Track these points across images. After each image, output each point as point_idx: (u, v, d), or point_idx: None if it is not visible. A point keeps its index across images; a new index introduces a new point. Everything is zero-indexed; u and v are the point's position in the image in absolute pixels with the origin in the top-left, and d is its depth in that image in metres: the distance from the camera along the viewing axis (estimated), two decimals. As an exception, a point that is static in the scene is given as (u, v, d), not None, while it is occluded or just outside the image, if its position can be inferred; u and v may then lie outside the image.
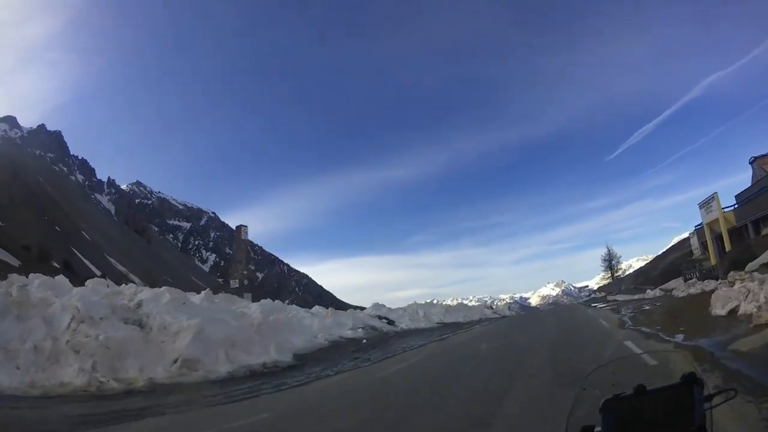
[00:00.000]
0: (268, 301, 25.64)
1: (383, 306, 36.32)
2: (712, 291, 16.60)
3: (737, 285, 14.30)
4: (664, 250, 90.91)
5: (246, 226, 53.57)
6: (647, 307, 24.35)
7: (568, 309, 43.34)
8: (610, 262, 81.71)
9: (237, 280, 50.57)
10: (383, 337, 24.68)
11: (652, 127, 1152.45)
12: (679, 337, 11.35)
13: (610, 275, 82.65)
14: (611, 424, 1.57)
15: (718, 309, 13.41)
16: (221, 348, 13.38)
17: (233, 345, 13.92)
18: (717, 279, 25.28)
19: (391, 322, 31.95)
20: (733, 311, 12.56)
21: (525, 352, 12.73)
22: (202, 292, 19.18)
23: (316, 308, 30.52)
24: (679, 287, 33.26)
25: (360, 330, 25.69)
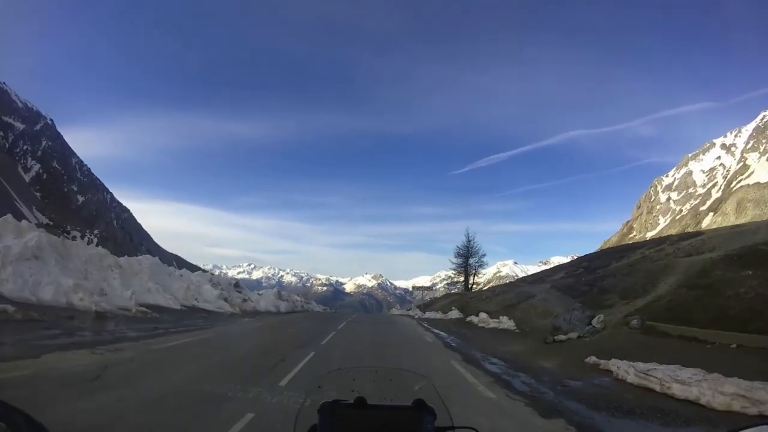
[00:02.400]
0: None
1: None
2: None
3: None
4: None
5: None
6: None
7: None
8: (467, 260, 53.66)
9: None
10: None
11: (504, 157, 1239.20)
12: None
13: (463, 280, 54.27)
14: (327, 427, 1.48)
15: None
16: None
17: None
18: None
19: None
20: None
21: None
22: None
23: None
24: None
25: None
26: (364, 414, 1.51)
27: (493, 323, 20.99)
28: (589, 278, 27.63)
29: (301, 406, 1.68)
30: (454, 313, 28.35)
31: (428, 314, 34.04)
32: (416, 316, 35.26)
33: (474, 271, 54.69)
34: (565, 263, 49.88)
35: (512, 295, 27.86)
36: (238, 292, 32.90)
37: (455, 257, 54.85)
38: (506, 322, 20.12)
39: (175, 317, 19.62)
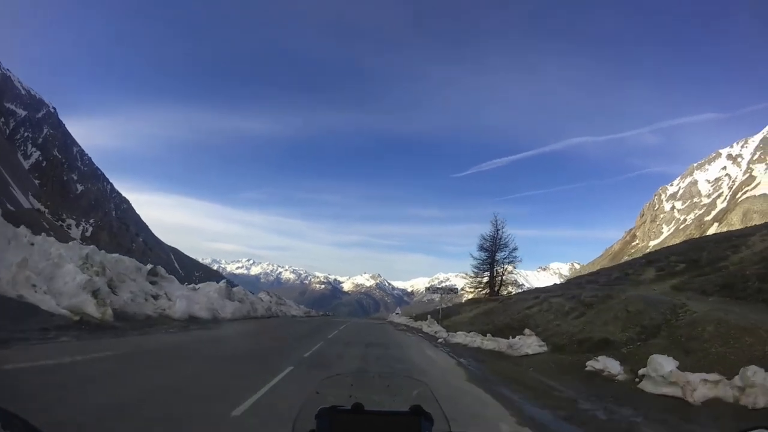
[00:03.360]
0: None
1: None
2: None
3: None
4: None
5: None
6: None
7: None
8: (494, 255, 39.98)
9: None
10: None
11: (506, 161, 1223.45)
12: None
13: (486, 281, 40.45)
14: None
15: None
16: None
17: None
18: None
19: None
20: None
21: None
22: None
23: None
24: None
25: None
26: (361, 420, 1.44)
27: (705, 388, 6.67)
28: (754, 270, 13.87)
29: (298, 411, 1.56)
30: (531, 342, 13.37)
31: (461, 335, 19.15)
32: (440, 339, 20.41)
33: (503, 270, 40.84)
34: (646, 255, 34.62)
35: (640, 307, 13.50)
36: (151, 282, 19.00)
37: (478, 251, 41.17)
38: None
39: None
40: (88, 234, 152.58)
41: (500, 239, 40.14)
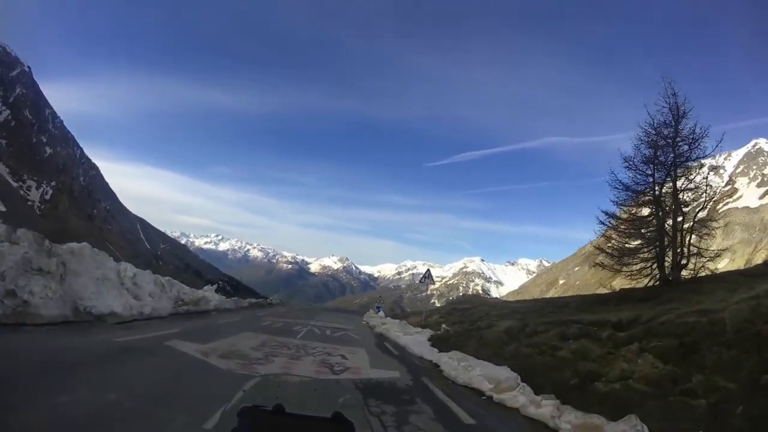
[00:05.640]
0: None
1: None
2: None
3: None
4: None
5: None
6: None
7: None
8: (674, 160, 15.13)
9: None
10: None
11: (480, 155, 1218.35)
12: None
13: (651, 228, 15.33)
14: (245, 431, 1.38)
15: None
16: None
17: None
18: None
19: None
20: None
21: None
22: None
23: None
24: None
25: None
26: (283, 422, 1.39)
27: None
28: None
29: (223, 409, 1.60)
30: None
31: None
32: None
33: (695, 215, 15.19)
34: None
35: None
36: None
37: (627, 169, 16.62)
38: None
39: None
40: (47, 197, 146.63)
41: (680, 140, 15.29)
